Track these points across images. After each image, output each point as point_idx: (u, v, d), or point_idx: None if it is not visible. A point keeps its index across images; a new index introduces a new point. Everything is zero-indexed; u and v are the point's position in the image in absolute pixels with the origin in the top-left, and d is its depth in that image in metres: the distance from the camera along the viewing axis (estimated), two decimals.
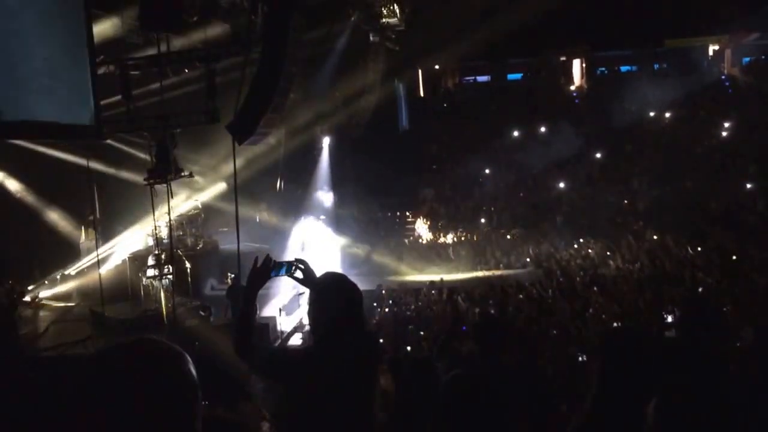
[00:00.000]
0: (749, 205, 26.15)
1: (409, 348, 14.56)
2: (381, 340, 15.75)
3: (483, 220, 29.95)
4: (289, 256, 24.56)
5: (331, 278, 3.84)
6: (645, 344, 2.93)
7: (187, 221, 23.91)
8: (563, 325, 15.38)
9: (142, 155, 20.05)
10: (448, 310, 17.66)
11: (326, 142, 28.64)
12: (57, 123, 9.63)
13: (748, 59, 39.38)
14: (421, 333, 16.48)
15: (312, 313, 3.69)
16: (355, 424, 3.49)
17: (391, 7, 24.35)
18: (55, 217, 22.04)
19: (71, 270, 22.58)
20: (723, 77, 38.50)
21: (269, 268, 3.85)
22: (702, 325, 4.51)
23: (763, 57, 39.03)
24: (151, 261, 20.24)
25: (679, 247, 22.33)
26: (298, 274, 3.89)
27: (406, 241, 29.09)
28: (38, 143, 19.65)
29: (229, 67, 18.03)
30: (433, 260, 26.19)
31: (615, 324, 14.40)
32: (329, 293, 3.68)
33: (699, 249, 21.82)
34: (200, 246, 23.59)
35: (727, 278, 17.86)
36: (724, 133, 32.25)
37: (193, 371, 1.84)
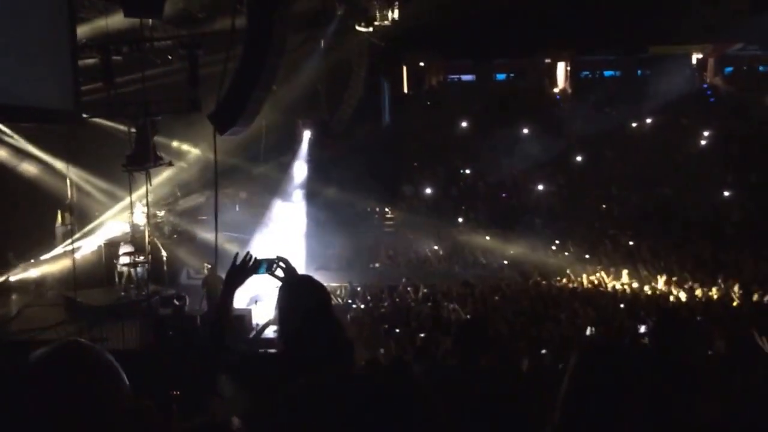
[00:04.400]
0: (726, 214, 26.35)
1: (382, 350, 14.45)
2: (354, 339, 15.73)
3: (461, 219, 29.95)
4: (264, 246, 24.56)
5: (297, 280, 3.78)
6: (617, 360, 2.88)
7: (165, 208, 23.81)
8: (538, 328, 15.41)
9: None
10: (426, 309, 17.65)
11: (306, 135, 28.50)
12: (36, 107, 9.55)
13: (730, 69, 39.66)
14: (397, 331, 16.45)
15: (280, 316, 3.61)
16: None
17: (378, 2, 24.30)
18: (30, 199, 21.87)
19: (46, 254, 22.41)
20: (705, 86, 38.77)
21: (249, 266, 3.80)
22: (674, 336, 4.52)
23: (745, 68, 39.33)
24: (126, 248, 20.13)
25: (655, 254, 22.44)
26: (279, 272, 3.82)
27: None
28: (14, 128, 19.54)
29: (213, 56, 17.91)
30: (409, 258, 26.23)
31: (589, 329, 14.40)
32: (296, 296, 3.60)
33: (674, 257, 21.91)
34: (177, 234, 23.47)
35: (700, 287, 17.98)
36: (704, 142, 32.49)
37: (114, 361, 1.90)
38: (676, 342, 4.55)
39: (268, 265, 3.85)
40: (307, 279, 3.80)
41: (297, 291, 3.63)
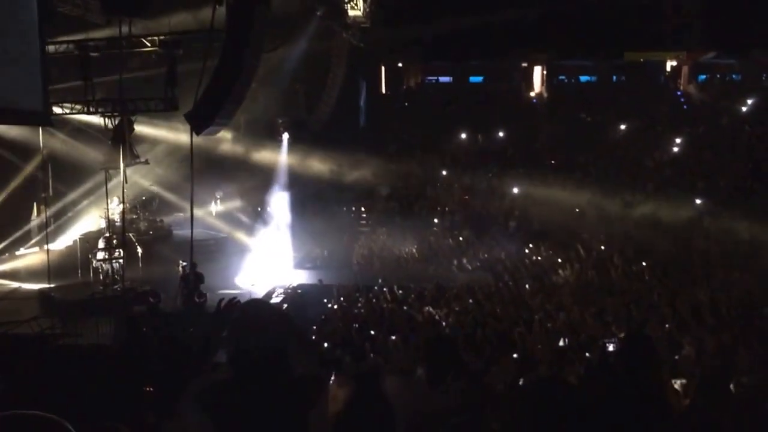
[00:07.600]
0: (696, 221, 26.59)
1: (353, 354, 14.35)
2: (328, 340, 15.80)
3: (436, 220, 30.00)
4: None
5: (253, 312, 3.69)
6: (570, 406, 2.86)
7: (141, 205, 23.79)
8: (509, 332, 15.49)
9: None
10: (400, 311, 17.71)
11: (285, 136, 28.55)
12: (3, 107, 9.52)
13: (703, 77, 40.11)
14: (372, 332, 16.47)
15: (233, 344, 3.54)
16: None
17: (356, 3, 24.42)
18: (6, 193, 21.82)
19: (21, 247, 22.37)
20: (678, 93, 39.16)
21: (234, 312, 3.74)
22: (641, 359, 4.52)
23: (718, 76, 39.85)
24: (101, 243, 20.12)
25: (625, 260, 22.59)
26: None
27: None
28: None
29: (191, 55, 17.93)
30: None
31: (561, 341, 14.40)
32: (249, 328, 3.56)
33: (644, 264, 22.06)
34: (153, 231, 23.44)
35: (669, 293, 18.12)
36: (676, 149, 32.80)
37: None
38: (643, 365, 4.55)
39: None
40: (263, 311, 3.66)
41: (250, 324, 3.49)
